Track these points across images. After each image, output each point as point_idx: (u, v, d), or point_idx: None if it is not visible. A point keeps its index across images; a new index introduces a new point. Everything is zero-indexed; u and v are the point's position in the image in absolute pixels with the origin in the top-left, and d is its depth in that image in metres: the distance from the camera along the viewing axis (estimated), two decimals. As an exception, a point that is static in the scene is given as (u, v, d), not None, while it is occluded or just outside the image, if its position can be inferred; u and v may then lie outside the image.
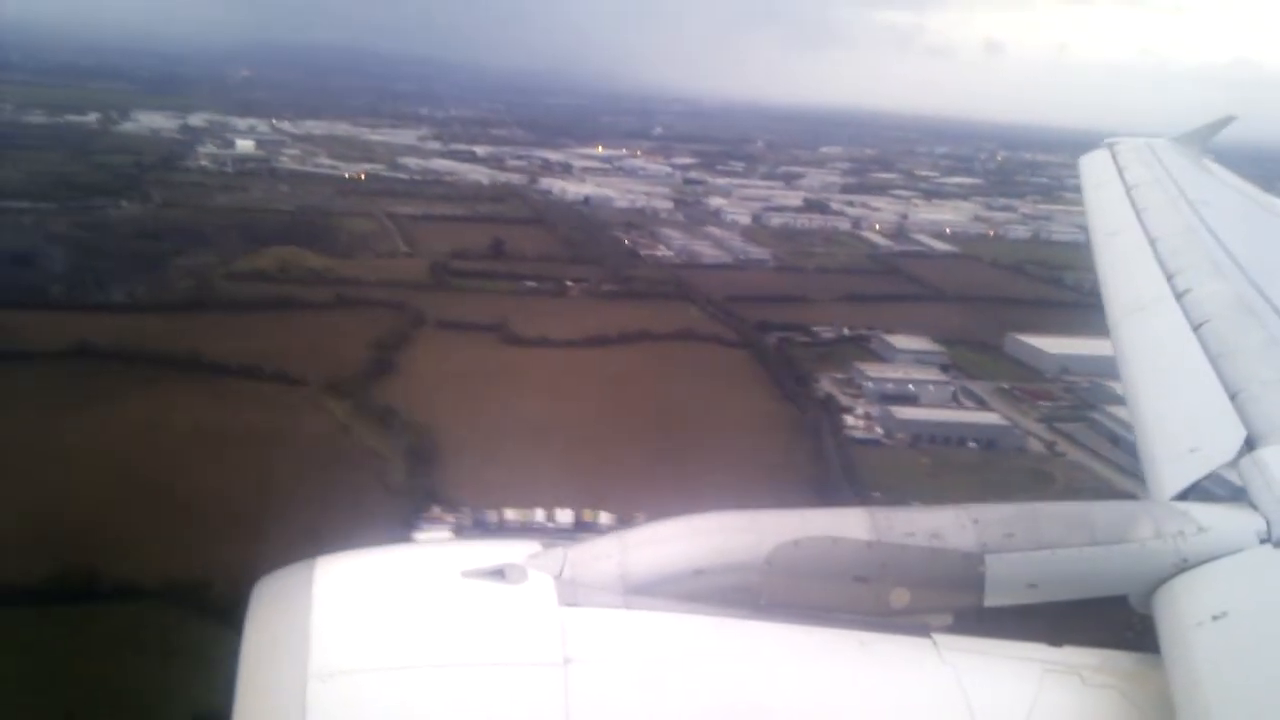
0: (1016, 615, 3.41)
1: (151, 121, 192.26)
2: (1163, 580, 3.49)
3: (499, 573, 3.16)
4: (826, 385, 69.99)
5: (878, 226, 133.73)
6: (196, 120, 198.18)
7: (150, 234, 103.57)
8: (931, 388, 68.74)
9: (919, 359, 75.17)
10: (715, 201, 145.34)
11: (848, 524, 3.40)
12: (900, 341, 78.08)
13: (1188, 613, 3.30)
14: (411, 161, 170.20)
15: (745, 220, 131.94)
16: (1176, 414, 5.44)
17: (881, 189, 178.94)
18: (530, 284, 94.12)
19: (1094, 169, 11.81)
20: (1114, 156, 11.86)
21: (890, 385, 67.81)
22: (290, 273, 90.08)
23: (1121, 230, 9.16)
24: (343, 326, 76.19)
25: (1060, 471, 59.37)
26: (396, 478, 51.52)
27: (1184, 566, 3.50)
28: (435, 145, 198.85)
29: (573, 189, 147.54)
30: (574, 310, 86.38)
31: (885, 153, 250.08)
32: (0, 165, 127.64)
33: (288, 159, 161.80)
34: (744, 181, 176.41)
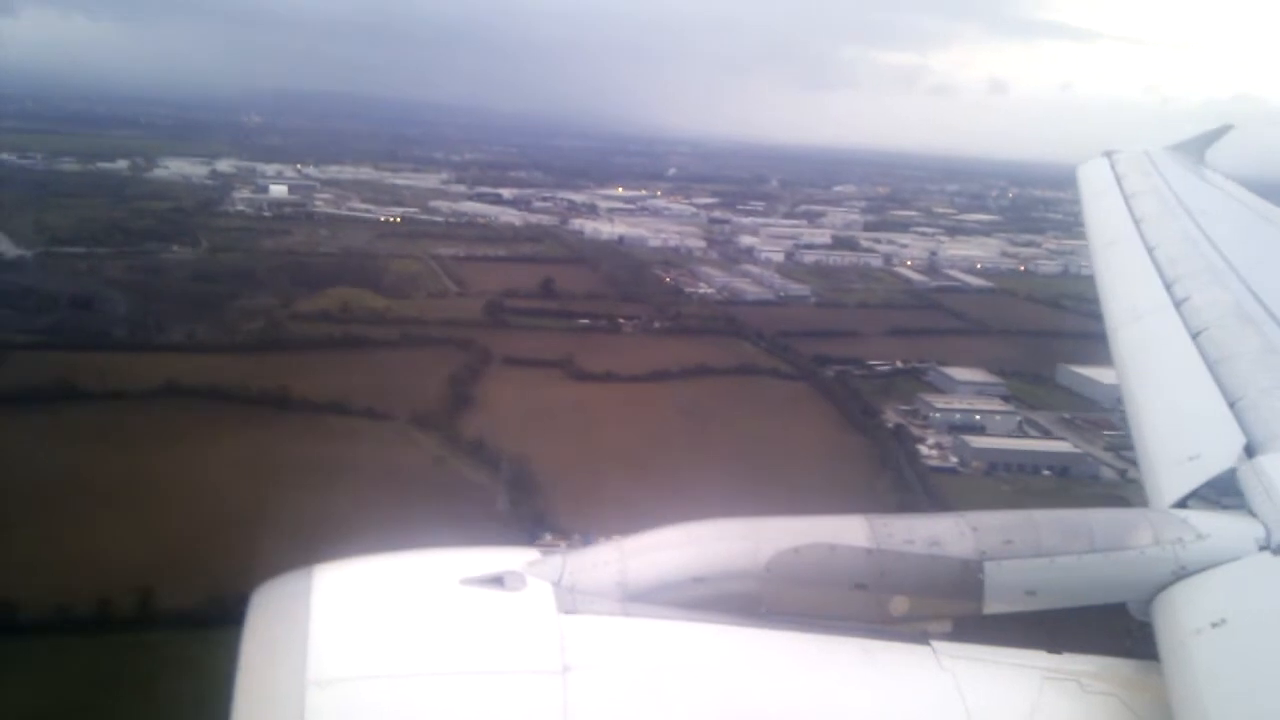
0: (1016, 622, 3.40)
1: (180, 168, 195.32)
2: (1162, 587, 3.48)
3: (498, 580, 3.15)
4: (892, 416, 71.59)
5: (909, 262, 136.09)
6: (224, 166, 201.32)
7: (205, 277, 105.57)
8: (998, 417, 70.33)
9: (979, 390, 76.84)
10: (746, 240, 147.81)
11: (847, 531, 3.40)
12: (958, 373, 79.81)
13: (1187, 620, 3.28)
14: (442, 205, 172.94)
15: (779, 258, 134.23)
16: (1175, 421, 5.42)
17: (903, 226, 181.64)
18: (583, 321, 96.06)
19: (1092, 178, 11.77)
20: (1112, 165, 11.83)
21: (958, 415, 69.46)
22: (353, 313, 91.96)
23: (1120, 239, 9.12)
24: (413, 364, 77.92)
25: (1138, 497, 60.63)
26: (501, 507, 52.96)
27: (1183, 574, 3.48)
28: (460, 189, 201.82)
29: (605, 229, 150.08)
30: (630, 346, 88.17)
31: (898, 191, 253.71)
32: (47, 211, 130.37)
33: (321, 203, 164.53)
34: (768, 220, 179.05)
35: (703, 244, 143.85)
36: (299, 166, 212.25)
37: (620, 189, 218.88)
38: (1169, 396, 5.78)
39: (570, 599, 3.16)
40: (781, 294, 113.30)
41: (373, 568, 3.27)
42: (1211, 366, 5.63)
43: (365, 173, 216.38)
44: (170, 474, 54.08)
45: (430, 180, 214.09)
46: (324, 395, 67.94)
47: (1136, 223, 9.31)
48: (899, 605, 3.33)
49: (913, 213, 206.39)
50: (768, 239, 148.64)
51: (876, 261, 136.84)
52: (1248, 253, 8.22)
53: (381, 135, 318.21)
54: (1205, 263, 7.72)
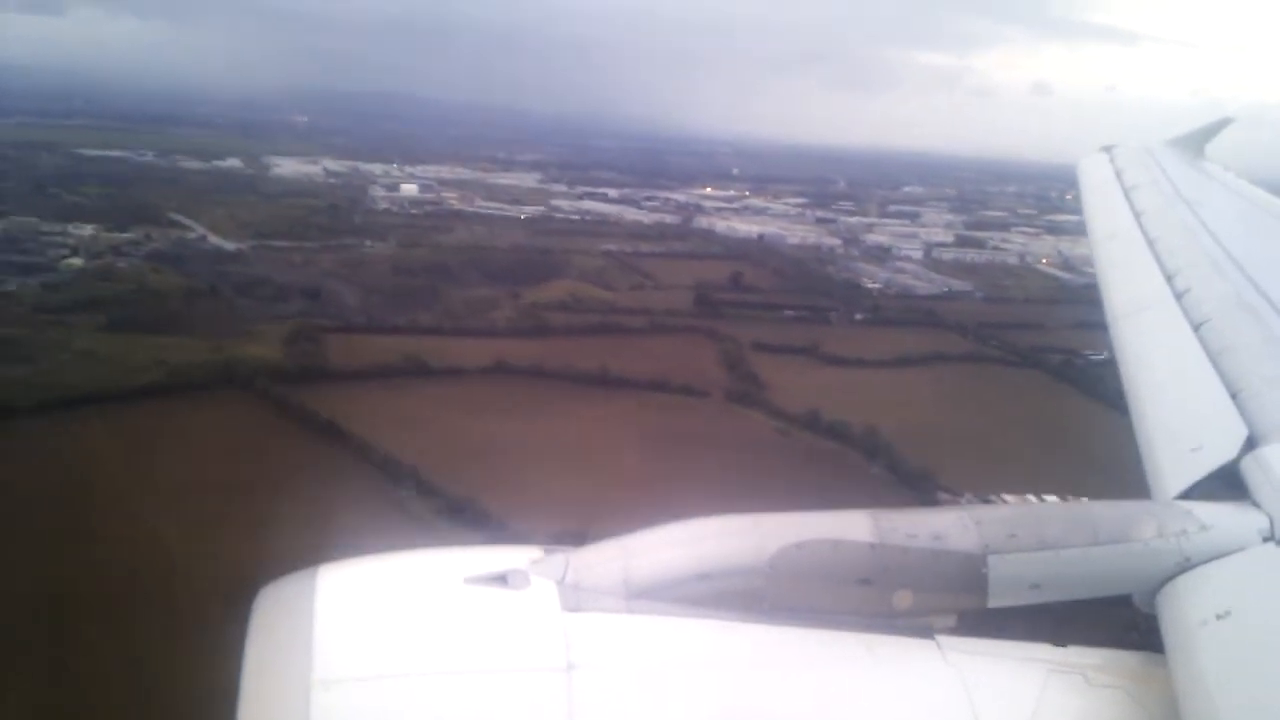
0: (1020, 616, 3.44)
1: (291, 167, 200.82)
2: (1166, 579, 3.51)
3: (502, 579, 3.17)
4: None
5: (1045, 260, 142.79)
6: (331, 165, 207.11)
7: (414, 270, 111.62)
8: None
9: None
10: (873, 238, 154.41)
11: (850, 527, 3.44)
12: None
13: (1192, 612, 3.31)
14: (561, 203, 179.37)
15: (918, 254, 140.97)
16: (1177, 413, 5.41)
17: (1003, 225, 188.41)
18: (788, 312, 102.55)
19: (1092, 173, 11.92)
20: (1111, 160, 11.99)
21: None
22: (585, 302, 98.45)
23: (1120, 232, 9.17)
24: (672, 348, 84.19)
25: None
26: (877, 471, 59.48)
27: (1187, 565, 3.52)
28: (560, 188, 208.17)
29: (741, 227, 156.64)
30: (850, 336, 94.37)
31: (963, 191, 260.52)
32: (217, 208, 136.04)
33: (453, 201, 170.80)
34: (869, 220, 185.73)
35: (837, 242, 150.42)
36: (397, 167, 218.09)
37: (708, 189, 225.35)
38: (1171, 388, 5.81)
39: (574, 597, 3.18)
40: (946, 289, 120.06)
41: (376, 567, 3.30)
42: (1213, 358, 5.67)
43: (461, 172, 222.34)
44: (565, 437, 60.52)
45: (526, 180, 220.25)
46: (625, 375, 74.39)
47: (1136, 216, 9.42)
48: (903, 600, 3.36)
49: (1000, 212, 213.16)
50: (893, 237, 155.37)
51: (1011, 260, 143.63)
52: (1249, 244, 8.25)
53: (430, 136, 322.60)
54: (1206, 254, 7.77)
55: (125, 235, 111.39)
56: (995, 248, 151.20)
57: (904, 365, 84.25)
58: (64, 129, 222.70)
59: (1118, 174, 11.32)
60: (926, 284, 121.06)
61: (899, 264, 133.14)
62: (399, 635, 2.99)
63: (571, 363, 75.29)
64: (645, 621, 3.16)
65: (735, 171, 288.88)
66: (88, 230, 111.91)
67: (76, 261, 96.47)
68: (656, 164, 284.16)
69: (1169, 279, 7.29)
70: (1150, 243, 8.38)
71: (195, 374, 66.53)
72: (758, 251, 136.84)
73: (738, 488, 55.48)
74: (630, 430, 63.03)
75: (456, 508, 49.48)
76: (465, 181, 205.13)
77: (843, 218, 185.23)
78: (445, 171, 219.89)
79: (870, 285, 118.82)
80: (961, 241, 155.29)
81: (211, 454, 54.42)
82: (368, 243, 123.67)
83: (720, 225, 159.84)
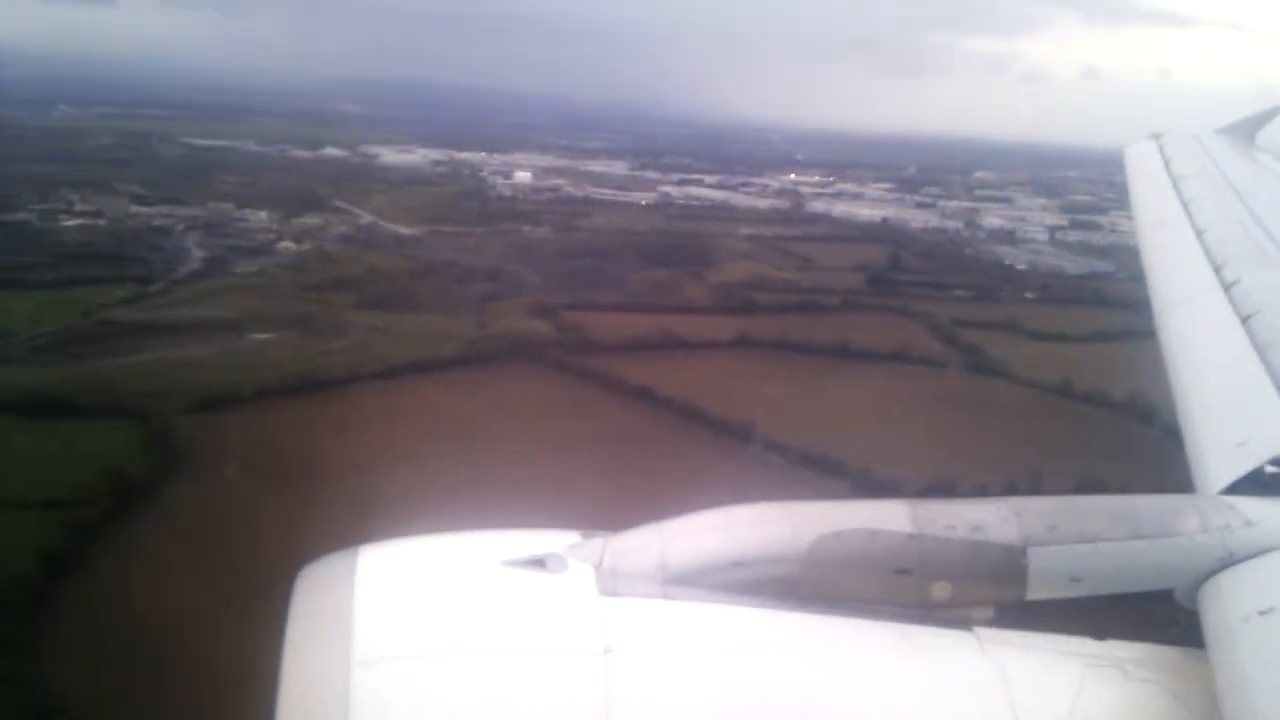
0: (1059, 609, 3.42)
1: (391, 156, 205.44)
2: (1208, 575, 3.45)
3: (539, 562, 3.20)
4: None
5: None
6: (432, 154, 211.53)
7: (581, 253, 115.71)
8: None
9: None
10: (990, 221, 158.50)
11: (889, 516, 3.43)
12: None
13: (1234, 608, 3.27)
14: (671, 190, 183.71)
15: (1042, 237, 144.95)
16: (1224, 407, 5.38)
17: (1098, 209, 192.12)
18: (958, 292, 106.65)
19: (1140, 161, 11.79)
20: (1160, 148, 11.81)
21: None
22: (770, 282, 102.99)
23: (1167, 221, 9.01)
24: (878, 325, 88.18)
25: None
26: (1146, 432, 63.78)
27: (1230, 561, 3.46)
28: (653, 174, 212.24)
29: (860, 211, 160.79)
30: (1033, 312, 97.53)
31: (1034, 176, 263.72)
32: (367, 196, 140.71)
33: (567, 188, 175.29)
34: (964, 204, 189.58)
35: (958, 224, 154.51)
36: (485, 154, 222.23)
37: (792, 175, 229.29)
38: (1217, 381, 5.74)
39: (611, 581, 3.18)
40: (1089, 270, 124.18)
41: (416, 549, 3.34)
42: (1261, 351, 5.60)
43: (548, 160, 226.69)
44: (852, 401, 65.13)
45: (615, 167, 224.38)
46: (854, 348, 78.87)
47: (1185, 205, 9.26)
48: (941, 591, 3.34)
49: (1086, 196, 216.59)
50: (1007, 220, 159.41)
51: (1131, 240, 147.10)
52: None
53: (488, 124, 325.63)
54: (1255, 245, 7.66)
55: (308, 221, 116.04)
56: (1111, 229, 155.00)
57: (1104, 340, 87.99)
58: (145, 118, 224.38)
59: (1166, 162, 11.24)
60: (1072, 264, 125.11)
61: (1030, 246, 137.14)
62: (437, 616, 3.03)
63: (803, 337, 79.88)
64: (681, 607, 3.16)
65: (800, 158, 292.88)
66: (262, 215, 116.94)
67: (290, 245, 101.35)
68: (718, 150, 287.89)
69: (1217, 270, 7.21)
70: (1199, 233, 8.27)
71: (485, 346, 71.34)
72: (888, 234, 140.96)
73: (1045, 448, 59.28)
74: (906, 395, 67.62)
75: (811, 460, 54.16)
76: (562, 169, 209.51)
77: (941, 202, 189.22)
78: (534, 159, 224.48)
79: (1019, 267, 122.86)
80: (1075, 224, 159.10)
81: (559, 413, 59.31)
82: (525, 228, 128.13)
83: (837, 210, 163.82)
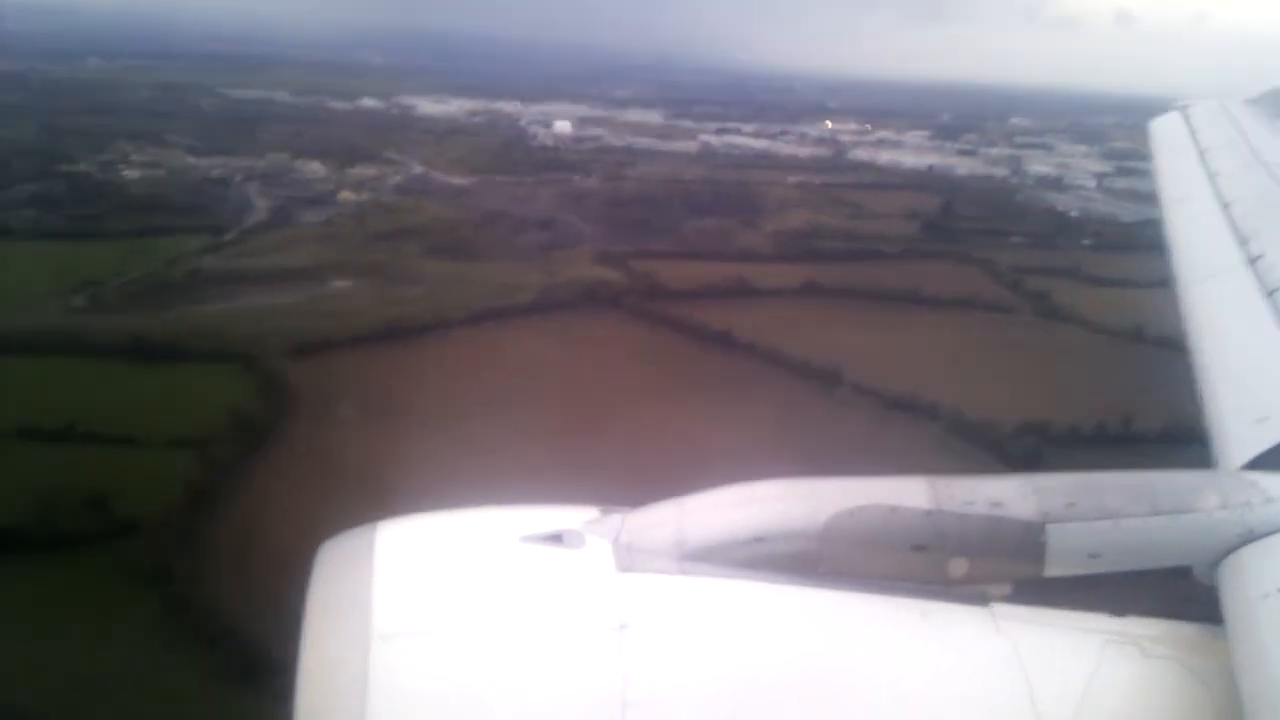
0: (1077, 586, 3.39)
1: (428, 107, 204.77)
2: (1228, 551, 3.44)
3: (557, 538, 3.21)
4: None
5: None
6: (467, 105, 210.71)
7: (631, 202, 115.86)
8: None
9: None
10: (1036, 168, 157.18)
11: (907, 492, 3.43)
12: None
13: (1253, 584, 3.27)
14: (711, 140, 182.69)
15: (1090, 184, 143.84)
16: (1246, 383, 5.33)
17: (1139, 155, 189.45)
18: (1015, 239, 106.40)
19: (1165, 132, 11.58)
20: (1186, 119, 11.66)
21: None
22: (826, 230, 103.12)
23: (1193, 195, 8.92)
24: (940, 272, 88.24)
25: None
26: None
27: (1250, 537, 3.45)
28: (689, 123, 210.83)
29: (905, 159, 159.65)
30: (1092, 259, 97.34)
31: (1072, 123, 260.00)
32: (409, 146, 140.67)
33: (608, 138, 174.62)
34: (1005, 151, 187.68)
35: (1006, 172, 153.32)
36: (520, 103, 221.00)
37: (828, 123, 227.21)
38: (1239, 356, 5.68)
39: (628, 557, 3.19)
40: (1140, 217, 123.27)
41: (434, 524, 3.35)
42: None
43: (585, 110, 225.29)
44: (931, 346, 65.77)
45: (650, 116, 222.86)
46: (923, 294, 79.23)
47: (1211, 177, 9.14)
48: (958, 567, 3.33)
49: (1126, 143, 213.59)
50: (1052, 167, 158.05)
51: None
52: None
53: (513, 74, 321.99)
54: None
55: (362, 171, 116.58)
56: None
57: (1169, 286, 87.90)
58: (172, 70, 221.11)
59: (1192, 134, 11.05)
60: (1123, 211, 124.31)
61: (1078, 192, 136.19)
62: (455, 591, 3.04)
63: (870, 284, 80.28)
64: (698, 583, 3.16)
65: (832, 105, 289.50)
66: (315, 166, 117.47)
67: (350, 195, 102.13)
68: (748, 99, 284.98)
69: (1243, 244, 7.15)
70: (1224, 206, 8.20)
71: (558, 294, 72.21)
72: (936, 182, 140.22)
73: (1129, 392, 59.65)
74: (982, 340, 68.22)
75: (901, 404, 55.03)
76: (598, 119, 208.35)
77: (982, 149, 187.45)
78: (570, 109, 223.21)
79: (1071, 214, 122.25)
80: (1120, 171, 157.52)
81: (644, 358, 60.30)
82: (575, 177, 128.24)
83: (882, 158, 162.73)
